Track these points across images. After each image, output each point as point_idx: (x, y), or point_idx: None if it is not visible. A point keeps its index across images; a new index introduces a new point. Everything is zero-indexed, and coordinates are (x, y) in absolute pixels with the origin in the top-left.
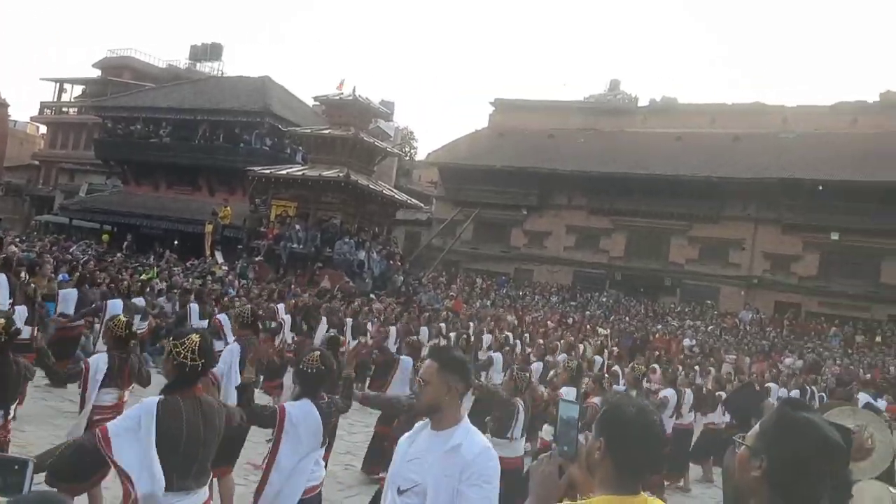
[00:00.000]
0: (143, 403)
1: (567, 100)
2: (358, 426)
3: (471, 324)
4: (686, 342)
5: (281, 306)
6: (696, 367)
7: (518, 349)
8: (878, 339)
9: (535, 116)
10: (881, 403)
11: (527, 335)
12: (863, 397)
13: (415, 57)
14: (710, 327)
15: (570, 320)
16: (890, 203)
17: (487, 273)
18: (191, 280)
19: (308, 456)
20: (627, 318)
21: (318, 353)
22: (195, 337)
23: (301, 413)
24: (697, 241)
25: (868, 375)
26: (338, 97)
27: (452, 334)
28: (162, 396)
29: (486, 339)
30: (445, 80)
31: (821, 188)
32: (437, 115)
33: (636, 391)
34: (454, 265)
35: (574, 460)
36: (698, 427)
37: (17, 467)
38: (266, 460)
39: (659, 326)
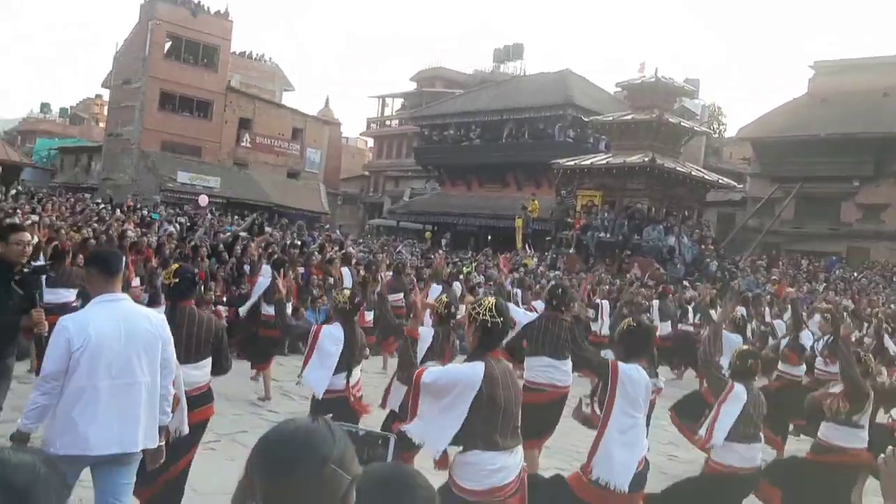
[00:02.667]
0: (467, 370)
1: None
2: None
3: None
4: None
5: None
6: None
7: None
8: None
9: (865, 76)
10: None
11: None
12: None
13: (720, 29)
14: None
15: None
16: None
17: (814, 254)
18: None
19: (638, 423)
20: None
21: (628, 320)
22: (491, 299)
23: (632, 372)
24: None
25: None
26: (639, 80)
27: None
28: (482, 363)
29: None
30: (754, 49)
31: None
32: (748, 88)
33: None
34: (774, 247)
35: None
36: None
37: (380, 442)
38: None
39: None
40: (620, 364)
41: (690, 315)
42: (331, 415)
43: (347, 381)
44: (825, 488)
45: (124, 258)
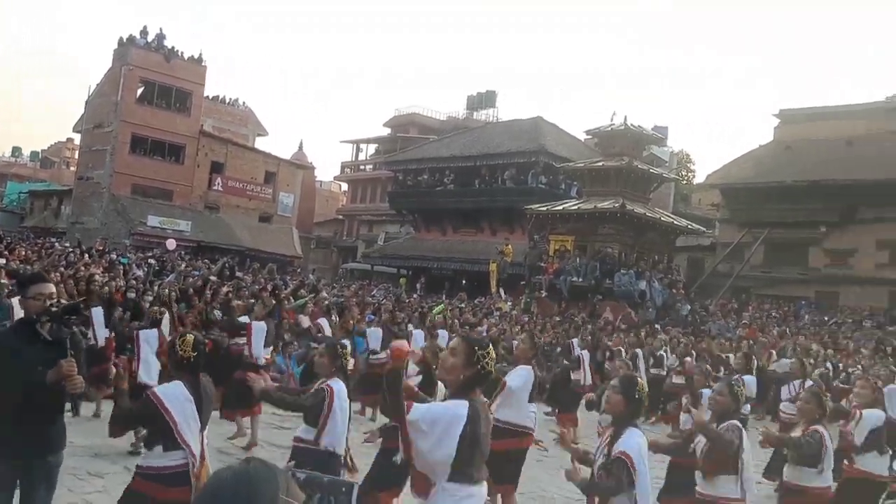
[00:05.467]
0: (452, 407)
1: (864, 102)
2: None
3: (773, 352)
4: None
5: (575, 341)
6: None
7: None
8: None
9: (829, 124)
10: None
11: (838, 364)
12: None
13: (686, 78)
14: None
15: (888, 348)
16: None
17: (783, 298)
18: (478, 316)
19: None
20: None
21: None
22: (492, 350)
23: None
24: None
25: None
26: (609, 128)
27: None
28: (466, 401)
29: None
30: (721, 98)
31: None
32: (714, 136)
33: None
34: (744, 291)
35: None
36: None
37: (344, 489)
38: None
39: None
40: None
41: (664, 360)
42: (293, 462)
43: None
44: None
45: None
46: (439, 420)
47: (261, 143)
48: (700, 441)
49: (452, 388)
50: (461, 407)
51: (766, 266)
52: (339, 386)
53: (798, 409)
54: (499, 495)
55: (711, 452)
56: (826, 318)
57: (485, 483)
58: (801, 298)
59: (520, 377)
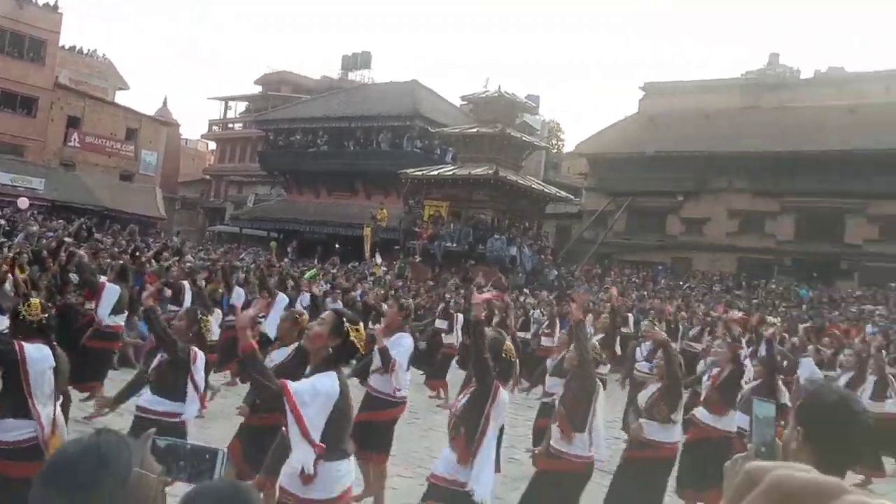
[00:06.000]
0: (327, 382)
1: (723, 77)
2: (521, 420)
3: (629, 315)
4: (868, 329)
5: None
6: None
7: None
8: None
9: (689, 98)
10: None
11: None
12: None
13: (559, 47)
14: (894, 313)
15: (736, 310)
16: None
17: (642, 263)
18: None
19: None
20: (804, 307)
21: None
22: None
23: (506, 397)
24: (877, 219)
25: None
26: (484, 94)
27: None
28: (335, 373)
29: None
30: (590, 68)
31: None
32: (584, 105)
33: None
34: (607, 257)
35: (772, 461)
36: None
37: (208, 456)
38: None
39: (836, 313)
40: (500, 386)
41: (531, 323)
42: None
43: None
44: (646, 480)
45: None
46: (321, 392)
47: (122, 98)
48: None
49: (317, 358)
50: (333, 379)
51: (628, 233)
52: (202, 354)
53: (658, 367)
54: (370, 465)
55: (571, 410)
56: (681, 283)
57: (352, 457)
58: (659, 264)
59: (401, 346)
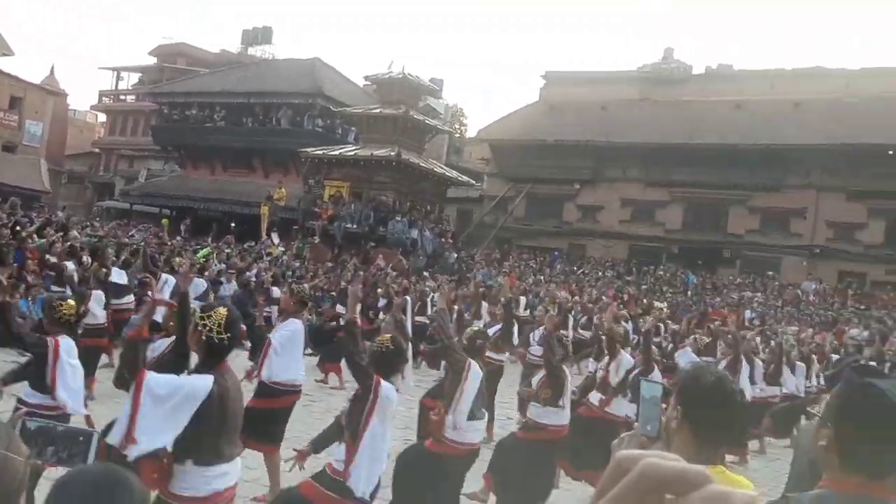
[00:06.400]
0: (195, 381)
1: (620, 70)
2: (413, 401)
3: (522, 298)
4: (747, 314)
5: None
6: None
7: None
8: None
9: (588, 88)
10: None
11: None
12: None
13: (463, 33)
14: (770, 299)
15: (625, 295)
16: None
17: (540, 249)
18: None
19: (387, 432)
20: (689, 293)
21: (388, 335)
22: (222, 310)
23: (390, 392)
24: (758, 210)
25: None
26: (387, 76)
27: None
28: (211, 375)
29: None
30: (494, 55)
31: (890, 153)
32: (487, 91)
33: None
34: (507, 241)
35: (657, 440)
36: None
37: (81, 438)
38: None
39: (717, 299)
40: (383, 382)
41: (428, 307)
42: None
43: None
44: (534, 460)
45: None
46: (180, 391)
47: (5, 65)
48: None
49: (199, 356)
50: (207, 381)
51: (527, 219)
52: (66, 342)
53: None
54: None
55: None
56: (575, 269)
57: (238, 458)
58: (556, 249)
59: (285, 331)
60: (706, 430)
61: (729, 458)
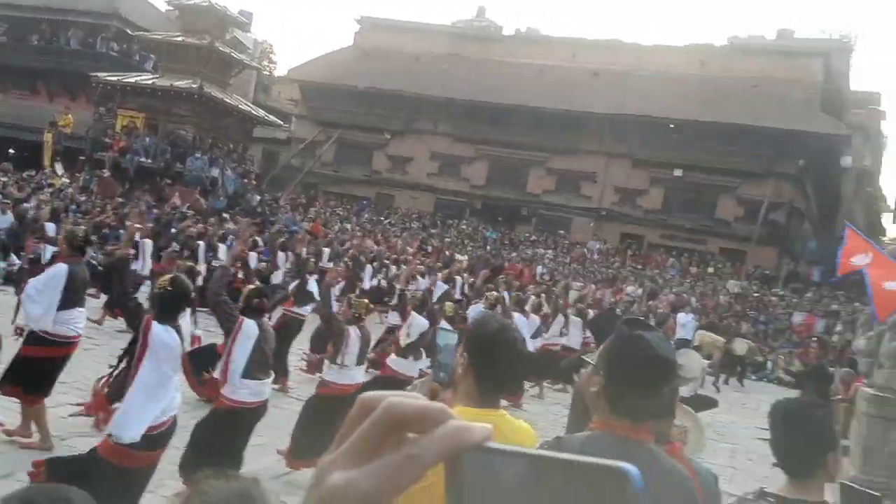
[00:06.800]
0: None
1: (435, 23)
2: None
3: (327, 249)
4: (539, 270)
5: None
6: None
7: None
8: (711, 269)
9: (402, 38)
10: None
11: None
12: (682, 318)
13: None
14: (560, 256)
15: (429, 247)
16: (731, 143)
17: (348, 196)
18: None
19: (170, 380)
20: (488, 247)
21: (169, 275)
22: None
23: (164, 335)
24: (554, 172)
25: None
26: (192, 2)
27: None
28: None
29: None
30: None
31: (671, 126)
32: (299, 31)
33: None
34: (314, 187)
35: (450, 386)
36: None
37: None
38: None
39: (514, 254)
40: (154, 324)
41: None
42: None
43: None
44: (328, 415)
45: None
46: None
47: None
48: None
49: None
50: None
51: (336, 165)
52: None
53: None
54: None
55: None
56: (382, 218)
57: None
58: (364, 198)
59: (45, 276)
60: (490, 374)
61: (504, 403)
